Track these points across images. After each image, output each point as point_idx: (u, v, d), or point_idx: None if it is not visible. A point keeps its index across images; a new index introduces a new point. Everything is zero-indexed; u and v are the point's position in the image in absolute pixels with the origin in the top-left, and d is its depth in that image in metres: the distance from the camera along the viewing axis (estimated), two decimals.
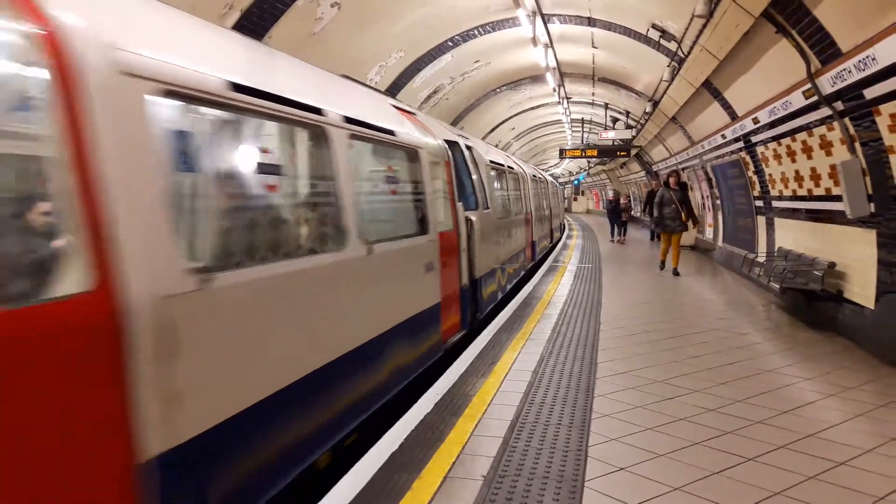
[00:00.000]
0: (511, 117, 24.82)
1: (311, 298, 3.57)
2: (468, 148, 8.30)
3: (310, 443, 3.54)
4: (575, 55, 15.51)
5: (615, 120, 22.89)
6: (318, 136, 3.92)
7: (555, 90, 18.18)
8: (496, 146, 20.87)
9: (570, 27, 13.20)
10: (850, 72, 5.89)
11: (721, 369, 5.71)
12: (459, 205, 7.13)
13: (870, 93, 5.78)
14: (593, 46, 14.47)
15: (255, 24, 7.68)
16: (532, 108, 24.36)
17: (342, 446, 4.07)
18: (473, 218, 7.61)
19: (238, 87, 3.03)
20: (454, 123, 17.96)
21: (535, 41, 12.09)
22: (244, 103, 3.10)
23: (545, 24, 12.03)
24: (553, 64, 14.67)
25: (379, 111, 5.42)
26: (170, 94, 2.60)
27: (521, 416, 4.45)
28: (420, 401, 4.81)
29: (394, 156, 5.63)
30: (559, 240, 22.66)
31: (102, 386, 2.16)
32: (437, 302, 5.96)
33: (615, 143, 21.96)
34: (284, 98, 3.48)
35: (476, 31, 13.30)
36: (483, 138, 21.09)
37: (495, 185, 9.85)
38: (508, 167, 11.66)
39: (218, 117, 3.27)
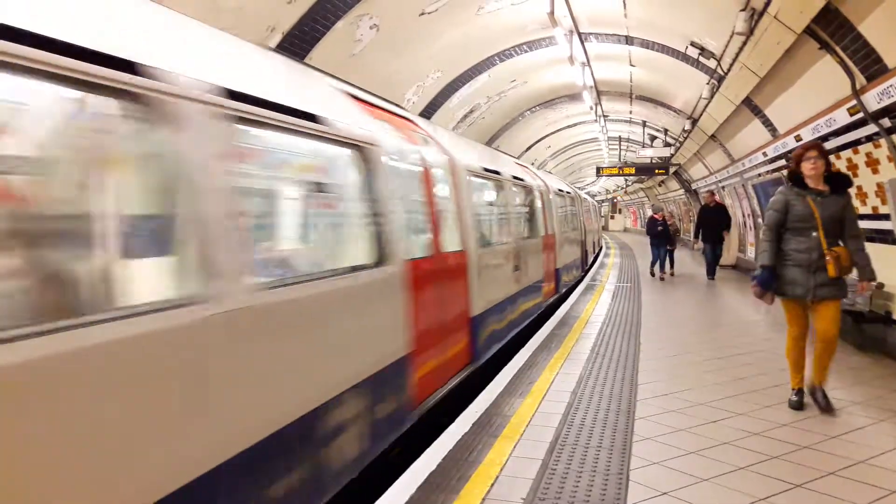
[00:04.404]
0: (547, 136, 24.78)
1: (517, 259, 8.48)
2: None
3: (515, 322, 8.27)
4: (612, 73, 15.47)
5: (653, 138, 22.67)
6: (506, 186, 8.73)
7: (591, 108, 18.11)
8: (532, 164, 20.86)
9: (607, 45, 13.18)
10: None
11: (766, 392, 5.58)
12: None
13: None
14: (630, 64, 14.42)
15: (296, 47, 7.84)
16: (568, 127, 24.30)
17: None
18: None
19: (486, 169, 7.71)
20: (490, 143, 18.02)
21: (571, 60, 12.08)
22: (489, 176, 7.90)
23: (582, 42, 12.04)
24: (590, 82, 14.64)
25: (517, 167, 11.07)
26: (470, 173, 6.82)
27: (561, 438, 4.41)
28: (457, 420, 4.80)
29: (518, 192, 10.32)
30: (596, 257, 22.35)
31: (463, 279, 5.86)
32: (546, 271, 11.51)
33: (653, 161, 21.73)
34: (499, 171, 8.46)
35: (513, 51, 13.38)
36: (519, 157, 21.09)
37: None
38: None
39: (484, 182, 7.84)
